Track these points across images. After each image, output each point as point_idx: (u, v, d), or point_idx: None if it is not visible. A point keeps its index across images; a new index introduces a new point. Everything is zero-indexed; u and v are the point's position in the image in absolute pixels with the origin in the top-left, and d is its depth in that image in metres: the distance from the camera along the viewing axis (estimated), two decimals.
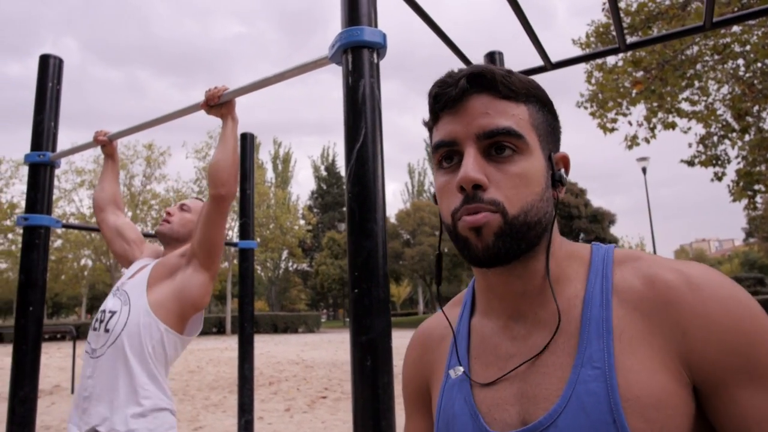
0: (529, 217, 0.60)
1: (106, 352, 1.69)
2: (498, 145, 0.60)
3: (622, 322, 0.57)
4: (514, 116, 0.61)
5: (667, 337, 0.55)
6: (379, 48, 1.13)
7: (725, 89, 8.36)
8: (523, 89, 0.63)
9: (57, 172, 2.20)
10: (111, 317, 1.74)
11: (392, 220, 35.08)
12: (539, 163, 0.62)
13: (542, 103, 0.65)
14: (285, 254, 41.24)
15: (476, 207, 0.59)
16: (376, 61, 1.12)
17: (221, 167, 1.73)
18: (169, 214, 1.94)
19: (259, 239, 30.20)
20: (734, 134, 8.47)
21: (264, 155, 47.01)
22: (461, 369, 0.66)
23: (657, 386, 0.53)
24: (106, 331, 1.72)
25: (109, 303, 1.81)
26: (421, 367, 0.77)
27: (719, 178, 8.80)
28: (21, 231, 2.08)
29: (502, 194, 0.59)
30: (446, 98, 0.63)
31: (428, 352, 0.77)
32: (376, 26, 1.14)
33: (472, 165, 0.59)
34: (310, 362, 12.25)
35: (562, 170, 0.66)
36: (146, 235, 2.40)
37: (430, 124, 0.68)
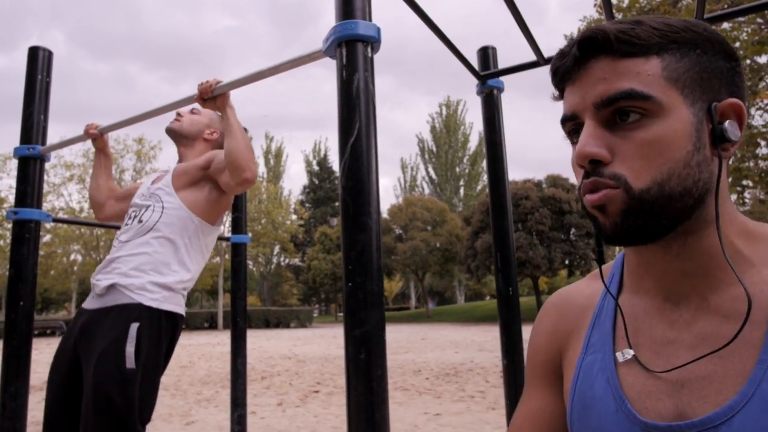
0: (668, 189, 0.52)
1: (138, 237, 1.74)
2: (621, 111, 0.53)
3: None
4: (640, 74, 0.53)
5: None
6: (373, 42, 1.13)
7: None
8: (654, 38, 0.54)
9: (46, 166, 2.18)
10: (145, 210, 1.78)
11: (384, 215, 35.11)
12: (681, 123, 0.52)
13: (692, 45, 0.54)
14: (277, 249, 41.15)
15: (594, 182, 0.53)
16: (370, 54, 1.12)
17: (237, 155, 1.71)
18: (179, 114, 1.97)
19: (251, 234, 30.10)
20: None
21: (256, 150, 46.74)
22: (631, 352, 0.58)
23: None
24: (140, 222, 1.76)
25: (140, 201, 1.84)
26: (556, 336, 0.70)
27: None
28: (10, 225, 2.06)
29: (626, 166, 0.52)
30: (563, 70, 0.58)
31: (565, 321, 0.70)
32: (370, 20, 1.14)
33: (585, 139, 0.54)
34: (303, 357, 12.27)
35: (727, 123, 0.54)
36: None
37: (557, 99, 0.63)
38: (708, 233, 0.54)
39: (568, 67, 0.57)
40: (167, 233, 1.74)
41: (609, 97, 0.53)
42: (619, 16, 7.82)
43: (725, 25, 7.66)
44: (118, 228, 1.99)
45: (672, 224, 0.53)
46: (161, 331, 1.66)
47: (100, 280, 1.71)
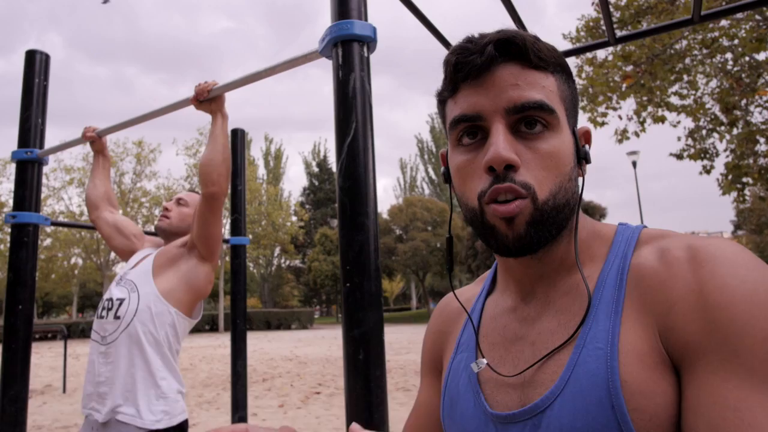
0: (558, 200, 0.55)
1: (119, 338, 1.70)
2: (528, 120, 0.55)
3: (632, 302, 0.53)
4: (545, 88, 0.56)
5: (656, 315, 0.51)
6: (369, 42, 1.12)
7: (714, 83, 8.43)
8: (551, 58, 0.57)
9: (45, 170, 2.18)
10: (120, 305, 1.75)
11: (384, 215, 35.10)
12: (568, 140, 0.57)
13: (567, 74, 0.60)
14: (277, 251, 41.15)
15: (509, 187, 0.54)
16: (366, 54, 1.12)
17: (212, 166, 1.72)
18: (166, 209, 1.96)
19: (251, 236, 30.10)
20: (722, 128, 8.56)
21: (255, 151, 46.82)
22: (484, 362, 0.62)
23: (646, 370, 0.49)
24: (117, 317, 1.73)
25: (115, 292, 1.81)
26: (437, 338, 0.76)
27: (707, 171, 8.89)
28: (8, 229, 2.06)
29: (533, 176, 0.54)
30: (470, 67, 0.56)
31: (445, 324, 0.76)
32: (366, 20, 1.14)
33: (503, 143, 0.54)
34: (304, 358, 12.26)
35: (586, 146, 0.62)
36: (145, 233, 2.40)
37: (446, 95, 0.61)
38: (565, 239, 0.60)
39: (478, 65, 0.55)
40: (144, 329, 1.70)
41: (523, 104, 0.55)
42: (617, 14, 7.83)
43: (723, 22, 7.66)
44: None
45: (556, 234, 0.57)
46: None
47: (97, 410, 1.66)
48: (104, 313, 1.78)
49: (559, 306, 0.58)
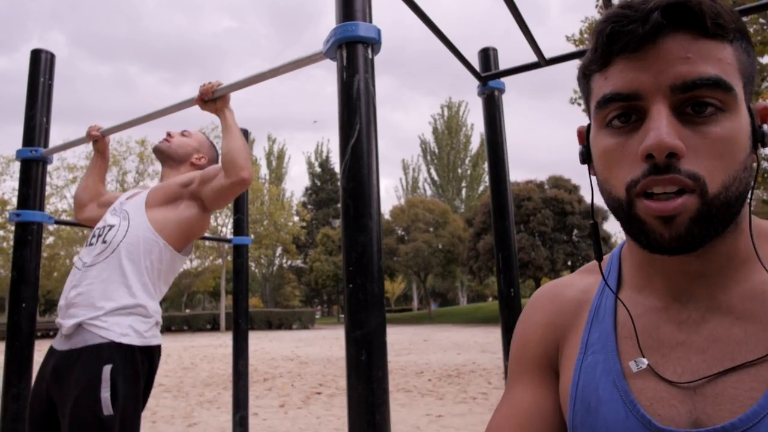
0: (731, 193, 0.47)
1: (101, 262, 1.64)
2: (697, 102, 0.47)
3: None
4: (721, 61, 0.47)
5: None
6: (373, 43, 1.13)
7: None
8: (732, 23, 0.48)
9: (49, 168, 2.19)
10: (109, 230, 1.69)
11: (386, 216, 35.11)
12: (746, 121, 0.49)
13: (748, 41, 0.50)
14: (279, 251, 41.19)
15: (672, 179, 0.46)
16: (370, 56, 1.12)
17: (235, 154, 1.67)
18: (169, 135, 1.92)
19: (253, 236, 30.14)
20: None
21: (258, 151, 46.90)
22: (645, 361, 0.53)
23: None
24: (104, 242, 1.67)
25: (108, 219, 1.75)
26: (552, 329, 0.64)
27: None
28: (13, 227, 2.07)
29: (702, 165, 0.46)
30: (630, 37, 0.47)
31: (562, 314, 0.64)
32: (370, 21, 1.14)
33: (666, 127, 0.46)
34: (305, 358, 12.27)
35: (765, 126, 0.52)
36: None
37: (593, 68, 0.53)
38: (734, 235, 0.51)
39: (642, 35, 0.47)
40: (129, 254, 1.65)
41: (693, 81, 0.46)
42: None
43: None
44: None
45: (723, 230, 0.49)
46: (137, 369, 1.55)
47: (65, 318, 1.60)
48: (94, 240, 1.71)
49: (741, 311, 0.50)
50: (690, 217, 0.47)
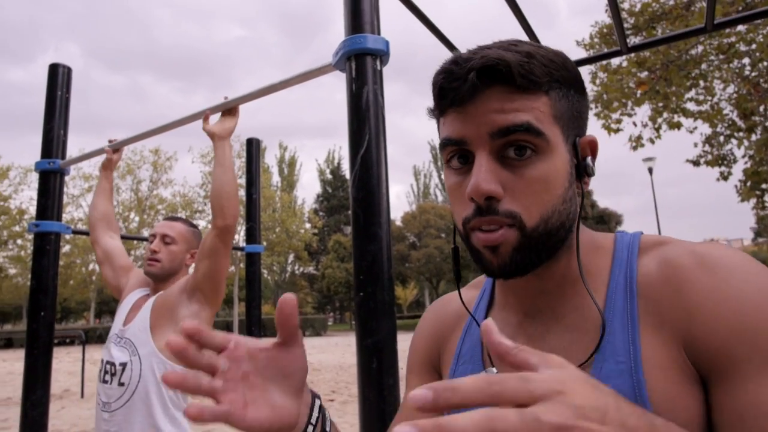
0: (550, 225, 0.54)
1: (125, 404, 1.68)
2: (515, 145, 0.53)
3: (647, 314, 0.52)
4: (534, 109, 0.54)
5: (675, 324, 0.50)
6: (381, 55, 1.15)
7: (731, 88, 8.33)
8: (545, 77, 0.54)
9: (65, 178, 2.23)
10: (123, 371, 1.70)
11: (398, 222, 35.09)
12: (561, 162, 0.55)
13: (567, 85, 0.57)
14: (291, 258, 41.33)
15: (491, 220, 0.53)
16: (379, 67, 1.14)
17: (224, 197, 1.67)
18: (154, 252, 1.82)
19: (265, 243, 30.29)
20: (740, 133, 8.43)
21: (269, 159, 47.25)
22: (494, 370, 0.60)
23: (671, 383, 0.48)
24: (121, 384, 1.70)
25: (115, 353, 1.75)
26: (433, 341, 0.72)
27: (725, 178, 8.76)
28: (31, 237, 2.11)
29: (520, 204, 0.53)
30: (455, 94, 0.55)
31: (442, 328, 0.72)
32: (378, 33, 1.16)
33: (484, 174, 0.52)
34: (318, 365, 12.26)
35: (589, 158, 0.59)
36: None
37: (437, 114, 0.60)
38: (565, 256, 0.58)
39: (462, 92, 0.54)
40: (150, 394, 1.68)
41: (507, 128, 0.53)
42: (631, 20, 7.78)
43: (740, 27, 7.57)
44: (135, 239, 1.97)
45: (549, 256, 0.56)
46: None
47: None
48: (107, 377, 1.73)
49: (569, 322, 0.57)
50: (513, 247, 0.54)
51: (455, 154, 0.57)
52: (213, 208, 1.70)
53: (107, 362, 1.75)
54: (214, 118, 1.73)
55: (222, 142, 1.71)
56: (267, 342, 0.52)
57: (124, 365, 1.70)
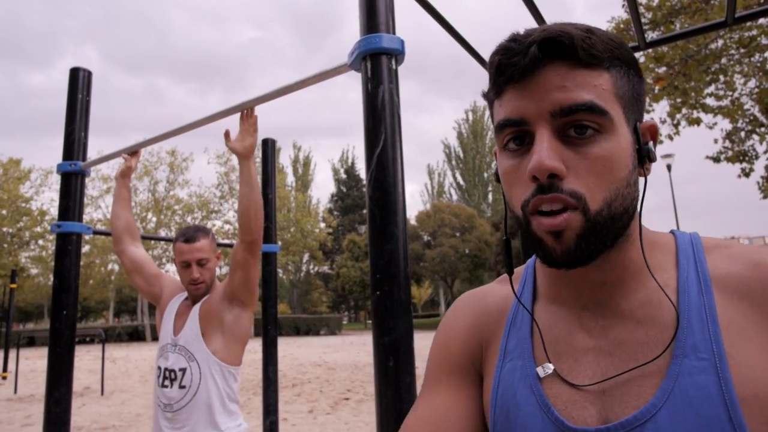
0: (614, 209, 0.52)
1: (187, 405, 1.85)
2: (577, 125, 0.52)
3: (728, 312, 0.51)
4: (596, 87, 0.52)
5: None
6: (397, 54, 1.15)
7: (752, 83, 8.16)
8: (607, 52, 0.53)
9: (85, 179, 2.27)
10: (183, 375, 1.87)
11: (412, 221, 35.05)
12: (625, 142, 0.53)
13: (627, 65, 0.55)
14: (306, 257, 41.55)
15: (554, 197, 0.51)
16: (394, 67, 1.14)
17: (251, 216, 1.79)
18: (195, 278, 1.93)
19: (280, 243, 30.50)
20: (762, 129, 8.26)
21: (284, 159, 47.54)
22: (551, 366, 0.57)
23: (761, 385, 0.47)
24: (182, 387, 1.86)
25: (173, 360, 1.90)
26: (475, 333, 0.68)
27: (746, 174, 8.59)
28: (52, 237, 2.16)
29: (583, 184, 0.51)
30: (513, 70, 0.53)
31: (485, 318, 0.68)
32: (393, 33, 1.16)
33: (546, 150, 0.50)
34: (333, 364, 12.31)
35: (650, 143, 0.57)
36: (167, 239, 2.50)
37: (491, 97, 0.58)
38: (627, 246, 0.56)
39: (522, 67, 0.52)
40: (210, 393, 1.85)
41: (569, 107, 0.51)
42: (648, 15, 7.67)
43: (762, 20, 7.41)
44: (152, 239, 2.03)
45: (612, 243, 0.54)
46: None
47: None
48: (167, 383, 1.88)
49: (641, 316, 0.55)
50: (576, 233, 0.51)
51: (512, 136, 0.55)
52: (240, 225, 1.81)
53: (166, 369, 1.90)
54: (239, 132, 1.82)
55: (246, 162, 1.80)
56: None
57: (183, 370, 1.87)
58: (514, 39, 0.54)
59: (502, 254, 0.64)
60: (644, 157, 0.55)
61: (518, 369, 0.60)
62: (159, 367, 1.92)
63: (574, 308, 0.59)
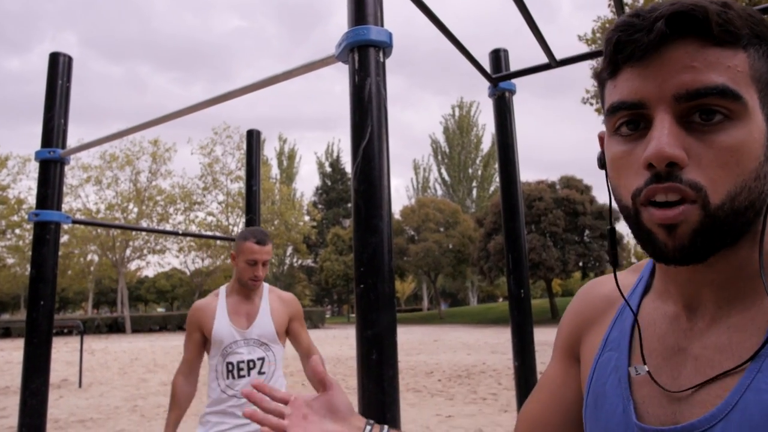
0: (737, 203, 0.46)
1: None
2: (704, 109, 0.46)
3: None
4: (730, 68, 0.46)
5: None
6: (385, 47, 1.14)
7: None
8: (745, 29, 0.47)
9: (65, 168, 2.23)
10: (262, 363, 2.13)
11: (397, 216, 35.09)
12: (758, 130, 0.47)
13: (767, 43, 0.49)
14: (290, 250, 41.37)
15: (670, 187, 0.46)
16: (382, 59, 1.14)
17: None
18: (258, 276, 2.17)
19: None
20: None
21: (268, 151, 47.17)
22: (645, 368, 0.55)
23: None
24: (261, 374, 2.13)
25: (247, 352, 2.12)
26: (579, 319, 0.69)
27: None
28: (29, 226, 2.12)
29: (705, 175, 0.46)
30: (634, 47, 0.47)
31: (590, 308, 0.68)
32: (382, 25, 1.16)
33: (667, 137, 0.45)
34: None
35: None
36: (167, 232, 2.47)
37: (605, 76, 0.53)
38: (745, 245, 0.50)
39: (646, 44, 0.47)
40: (279, 374, 2.20)
41: (697, 90, 0.45)
42: None
43: None
44: (133, 229, 2.00)
45: (733, 241, 0.49)
46: None
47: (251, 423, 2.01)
48: (243, 373, 2.09)
49: (735, 321, 0.51)
50: (693, 228, 0.46)
51: (626, 120, 0.50)
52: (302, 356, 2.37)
53: (239, 362, 2.10)
54: None
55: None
56: (317, 393, 0.68)
57: (261, 359, 2.13)
58: (637, 14, 0.48)
59: (608, 244, 0.60)
60: None
61: (613, 360, 0.60)
62: (230, 363, 2.09)
63: (676, 306, 0.56)
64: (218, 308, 2.18)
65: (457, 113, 49.58)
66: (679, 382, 0.53)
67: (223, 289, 2.24)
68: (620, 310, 0.63)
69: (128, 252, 30.62)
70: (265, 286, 2.27)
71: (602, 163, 0.57)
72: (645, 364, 0.56)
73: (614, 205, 0.57)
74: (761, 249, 0.49)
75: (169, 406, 2.11)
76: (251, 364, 2.10)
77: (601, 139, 0.59)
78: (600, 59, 0.57)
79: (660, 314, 0.58)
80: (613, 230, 0.60)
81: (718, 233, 0.47)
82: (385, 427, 0.64)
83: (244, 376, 2.08)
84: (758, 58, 0.48)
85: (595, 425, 0.59)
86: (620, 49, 0.49)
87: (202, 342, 2.16)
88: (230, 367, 2.09)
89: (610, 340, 0.62)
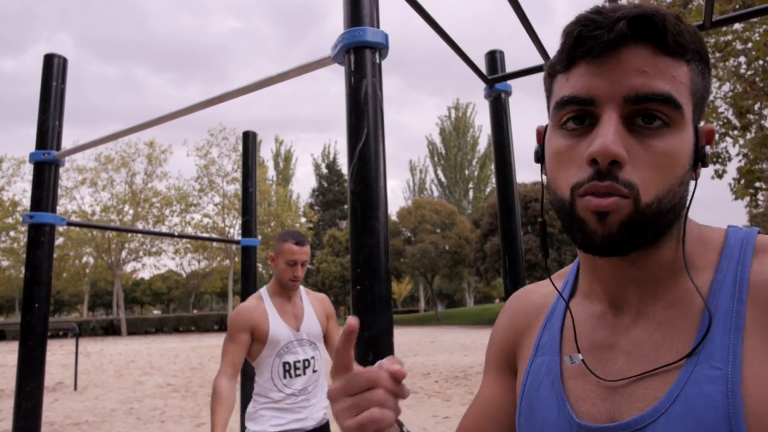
0: (663, 205, 0.49)
1: (317, 384, 2.26)
2: (647, 114, 0.49)
3: (758, 323, 0.47)
4: (675, 79, 0.49)
5: None
6: (381, 48, 1.14)
7: (726, 87, 8.36)
8: (692, 44, 0.50)
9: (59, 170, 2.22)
10: (314, 361, 2.26)
11: (393, 217, 35.09)
12: (688, 141, 0.50)
13: (704, 63, 0.52)
14: None
15: (608, 186, 0.48)
16: (378, 61, 1.14)
17: None
18: (298, 276, 2.25)
19: (260, 237, 30.23)
20: (735, 132, 8.48)
21: (264, 152, 47.12)
22: (579, 356, 0.57)
23: None
24: (315, 371, 2.24)
25: (302, 352, 2.23)
26: (511, 331, 0.70)
27: (720, 176, 8.81)
28: (24, 229, 2.11)
29: (639, 175, 0.48)
30: (594, 43, 0.49)
31: (521, 318, 0.69)
32: (378, 26, 1.16)
33: (613, 135, 0.47)
34: None
35: (707, 147, 0.54)
36: (173, 235, 2.45)
37: (558, 69, 0.54)
38: (665, 245, 0.54)
39: (605, 42, 0.48)
40: (325, 366, 2.21)
41: (645, 95, 0.48)
42: None
43: (737, 25, 7.59)
44: (129, 231, 2.00)
45: (653, 239, 0.52)
46: None
47: (314, 413, 2.22)
48: (299, 372, 2.20)
49: (663, 319, 0.53)
50: (621, 219, 0.49)
51: (573, 115, 0.52)
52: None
53: (296, 362, 2.21)
54: None
55: None
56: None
57: (313, 358, 2.25)
58: (600, 12, 0.50)
59: (540, 236, 0.62)
60: (699, 160, 0.53)
61: (545, 363, 0.61)
62: (287, 362, 2.19)
63: (602, 304, 0.59)
64: (269, 310, 2.24)
65: (453, 114, 49.64)
66: (612, 376, 0.54)
67: (264, 291, 2.30)
68: (548, 315, 0.66)
69: (124, 254, 30.52)
70: (300, 287, 2.35)
71: (538, 157, 0.59)
72: (562, 344, 0.60)
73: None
74: (684, 248, 0.52)
75: (213, 408, 2.06)
76: (306, 363, 2.22)
77: (539, 133, 0.61)
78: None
79: (587, 313, 0.60)
80: (544, 222, 0.62)
81: (644, 229, 0.50)
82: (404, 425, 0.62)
83: (300, 375, 2.20)
84: (697, 73, 0.51)
85: (530, 430, 0.60)
86: (579, 43, 0.50)
87: (249, 343, 2.17)
88: (287, 366, 2.19)
89: (542, 344, 0.64)
